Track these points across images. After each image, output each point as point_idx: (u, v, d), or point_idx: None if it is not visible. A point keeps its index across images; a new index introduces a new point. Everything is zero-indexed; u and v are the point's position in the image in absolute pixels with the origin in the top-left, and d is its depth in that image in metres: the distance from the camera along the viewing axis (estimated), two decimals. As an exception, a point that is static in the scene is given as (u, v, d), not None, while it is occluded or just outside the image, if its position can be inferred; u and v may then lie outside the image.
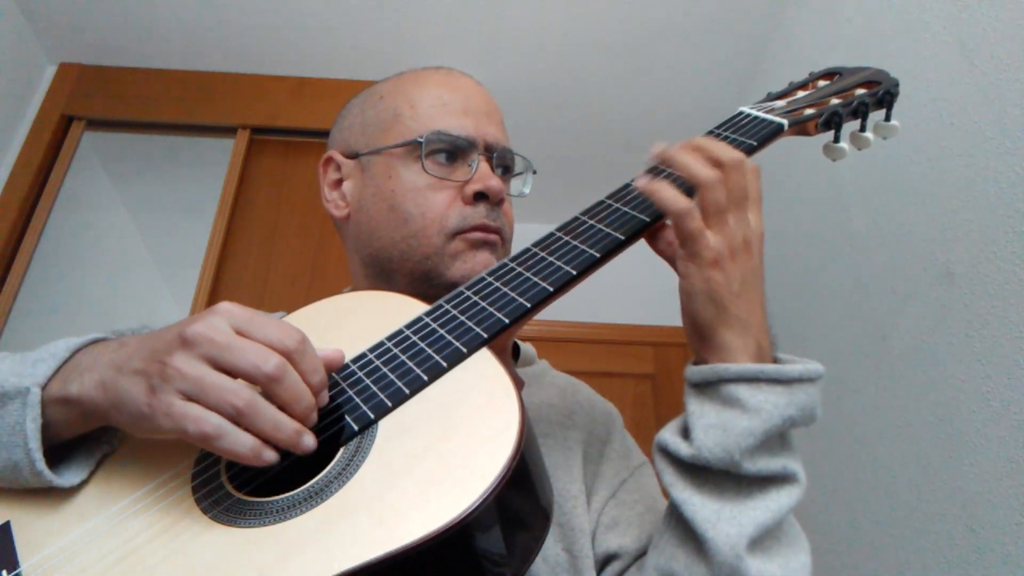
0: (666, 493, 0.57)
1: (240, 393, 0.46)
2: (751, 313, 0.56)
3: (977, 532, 1.08)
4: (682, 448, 0.54)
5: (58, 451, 0.53)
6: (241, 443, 0.46)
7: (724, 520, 0.52)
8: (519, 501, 0.47)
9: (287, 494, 0.48)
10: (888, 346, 1.36)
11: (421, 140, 0.72)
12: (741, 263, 0.56)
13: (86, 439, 0.54)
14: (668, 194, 0.57)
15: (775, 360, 0.57)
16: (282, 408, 0.48)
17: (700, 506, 0.53)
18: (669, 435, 0.57)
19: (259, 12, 1.98)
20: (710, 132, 0.69)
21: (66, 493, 0.52)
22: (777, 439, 0.54)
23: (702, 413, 0.54)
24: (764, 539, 0.53)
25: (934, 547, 1.17)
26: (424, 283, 0.71)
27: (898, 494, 1.28)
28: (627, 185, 0.65)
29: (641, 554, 0.64)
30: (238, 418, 0.46)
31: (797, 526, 0.57)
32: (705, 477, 0.54)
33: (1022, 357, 1.03)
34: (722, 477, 0.53)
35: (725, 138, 0.67)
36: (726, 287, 0.55)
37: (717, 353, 0.56)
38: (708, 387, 0.55)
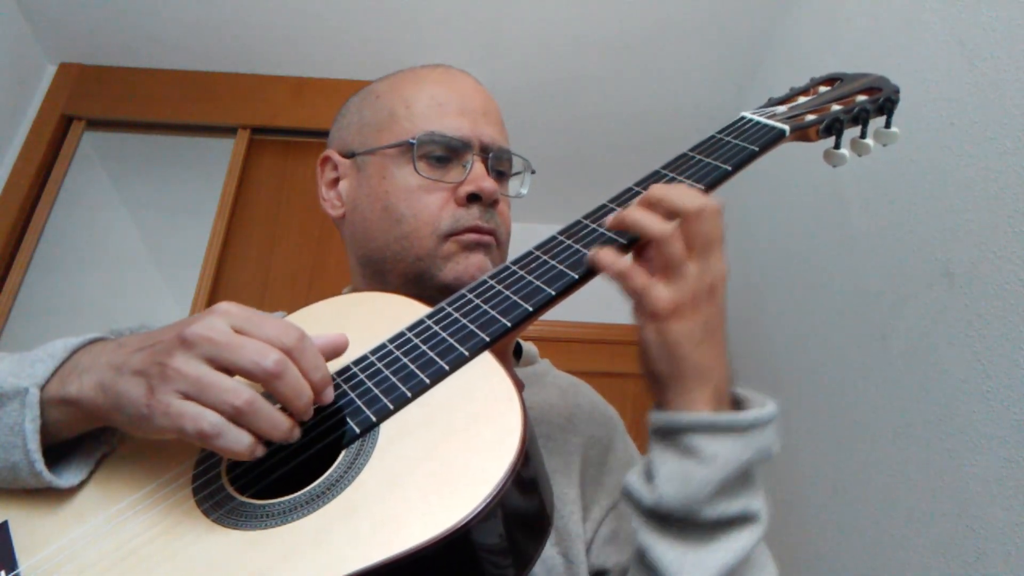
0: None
1: (240, 392, 0.46)
2: (712, 358, 0.55)
3: (977, 532, 1.08)
4: (645, 495, 0.54)
5: (57, 451, 0.53)
6: (239, 442, 0.46)
7: (689, 565, 0.52)
8: (521, 505, 0.47)
9: (289, 497, 0.48)
10: (888, 346, 1.36)
11: (414, 141, 0.72)
12: (705, 310, 0.54)
13: (85, 439, 0.54)
14: (605, 258, 0.56)
15: (734, 398, 0.57)
16: (282, 403, 0.48)
17: (665, 551, 0.53)
18: (635, 479, 0.56)
19: (259, 12, 1.98)
20: (713, 136, 0.69)
21: (65, 493, 0.51)
22: (738, 479, 0.54)
23: (663, 460, 0.54)
24: None
25: (934, 547, 1.17)
26: (417, 284, 0.71)
27: (898, 494, 1.28)
28: (630, 188, 0.65)
29: None
30: (237, 417, 0.46)
31: (764, 554, 0.56)
32: (669, 523, 0.54)
33: (1022, 357, 1.03)
34: (685, 523, 0.54)
35: (727, 143, 0.67)
36: (687, 337, 0.54)
37: (675, 400, 0.55)
38: (667, 435, 0.55)
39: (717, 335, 0.55)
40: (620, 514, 0.68)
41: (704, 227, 0.54)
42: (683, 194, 0.56)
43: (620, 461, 0.73)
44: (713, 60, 2.06)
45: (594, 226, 0.62)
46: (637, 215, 0.56)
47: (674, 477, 0.53)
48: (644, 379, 0.58)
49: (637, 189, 0.64)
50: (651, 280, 0.55)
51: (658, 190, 0.57)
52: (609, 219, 0.60)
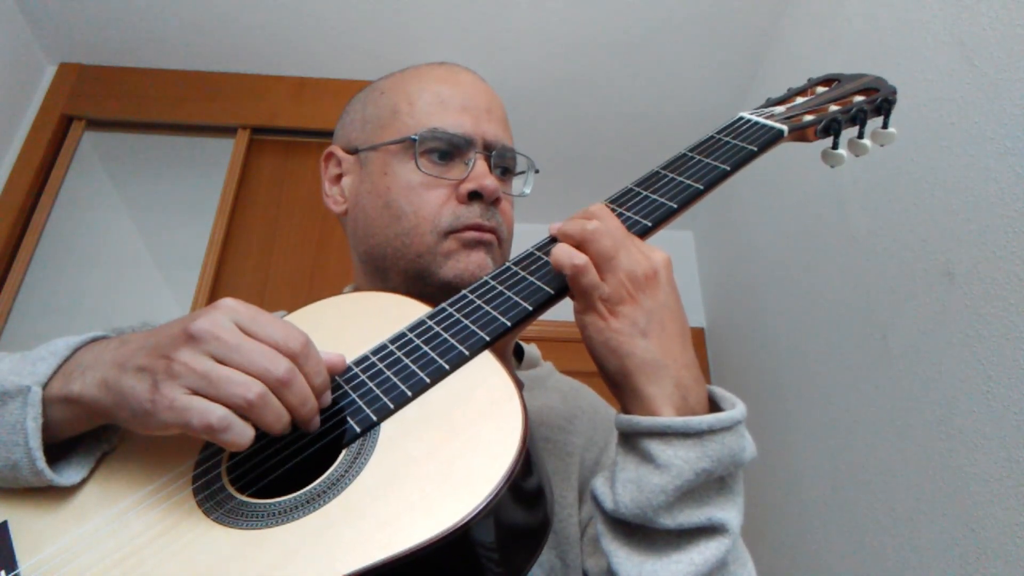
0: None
1: (251, 386, 0.46)
2: (665, 352, 0.53)
3: (977, 532, 1.08)
4: (607, 500, 0.53)
5: (57, 450, 0.53)
6: (244, 435, 0.46)
7: (646, 575, 0.50)
8: (521, 505, 0.47)
9: (289, 496, 0.48)
10: (888, 346, 1.36)
11: (415, 138, 0.72)
12: (646, 300, 0.53)
13: (85, 437, 0.54)
14: (559, 252, 0.55)
15: (709, 397, 0.55)
16: (287, 410, 0.48)
17: (624, 559, 0.51)
18: (600, 482, 0.55)
19: (259, 12, 1.98)
20: (711, 136, 0.69)
21: (65, 493, 0.51)
22: (704, 488, 0.52)
23: (624, 466, 0.53)
24: None
25: (934, 547, 1.17)
26: (418, 281, 0.71)
27: (898, 494, 1.28)
28: (628, 189, 0.65)
29: None
30: (247, 410, 0.46)
31: (740, 561, 0.54)
32: (630, 530, 0.52)
33: (1022, 357, 1.03)
34: (642, 531, 0.52)
35: (725, 143, 0.67)
36: (628, 332, 0.53)
37: (633, 402, 0.53)
38: (627, 439, 0.53)
39: (669, 326, 0.54)
40: None
41: (615, 221, 0.56)
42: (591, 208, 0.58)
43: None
44: (713, 60, 2.06)
45: None
46: (567, 225, 0.58)
47: (630, 483, 0.51)
48: (604, 381, 0.57)
49: (636, 189, 0.64)
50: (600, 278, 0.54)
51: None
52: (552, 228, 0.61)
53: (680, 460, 0.50)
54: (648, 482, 0.50)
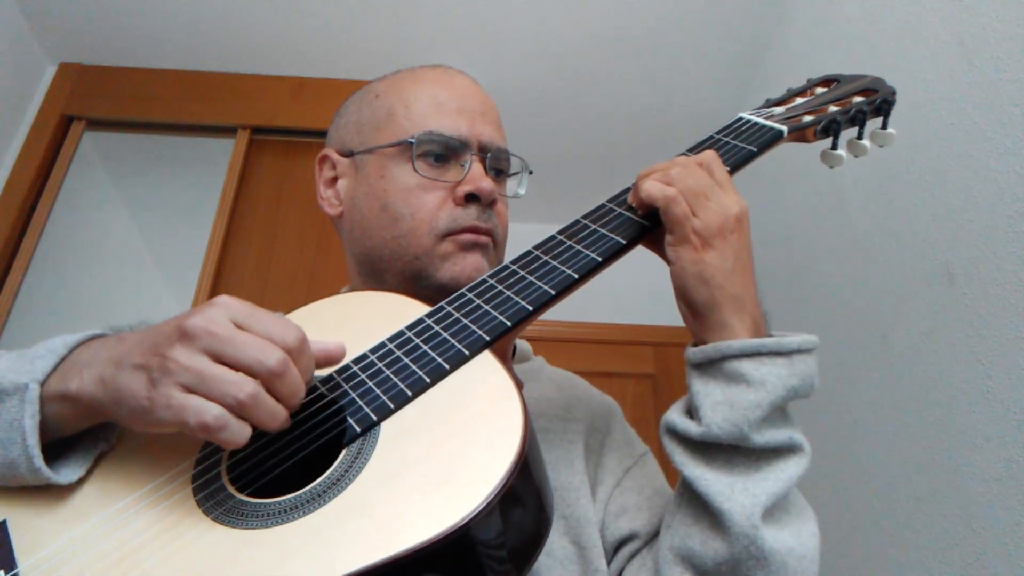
0: (676, 473, 0.59)
1: (243, 386, 0.46)
2: (745, 289, 0.57)
3: (977, 532, 1.08)
4: (691, 427, 0.56)
5: (55, 448, 0.53)
6: (241, 434, 0.46)
7: (738, 492, 0.53)
8: (522, 504, 0.47)
9: (290, 495, 0.48)
10: (888, 346, 1.36)
11: (412, 140, 0.72)
12: (733, 240, 0.57)
13: (84, 436, 0.54)
14: (650, 186, 0.59)
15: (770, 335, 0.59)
16: (278, 400, 0.48)
17: (713, 480, 0.54)
18: (676, 416, 0.58)
19: (259, 12, 1.98)
20: (712, 136, 0.69)
21: (64, 492, 0.51)
22: (779, 412, 0.56)
23: (708, 392, 0.56)
24: (775, 509, 0.55)
25: (934, 547, 1.17)
26: (414, 283, 0.71)
27: (898, 494, 1.28)
28: (629, 189, 0.65)
29: (654, 536, 0.65)
30: (239, 410, 0.46)
31: (802, 497, 0.59)
32: (715, 453, 0.56)
33: (1022, 357, 1.03)
34: (732, 452, 0.55)
35: (725, 143, 0.68)
36: (719, 266, 0.57)
37: (716, 331, 0.57)
38: (711, 366, 0.56)
39: (748, 267, 0.58)
40: (625, 489, 0.69)
41: (703, 168, 0.60)
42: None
43: (619, 442, 0.74)
44: (713, 60, 2.06)
45: (593, 226, 0.62)
46: (652, 174, 0.61)
47: (720, 405, 0.54)
48: (682, 314, 0.60)
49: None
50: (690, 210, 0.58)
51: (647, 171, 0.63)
52: (629, 197, 0.64)
53: (773, 376, 0.54)
54: (742, 399, 0.54)
